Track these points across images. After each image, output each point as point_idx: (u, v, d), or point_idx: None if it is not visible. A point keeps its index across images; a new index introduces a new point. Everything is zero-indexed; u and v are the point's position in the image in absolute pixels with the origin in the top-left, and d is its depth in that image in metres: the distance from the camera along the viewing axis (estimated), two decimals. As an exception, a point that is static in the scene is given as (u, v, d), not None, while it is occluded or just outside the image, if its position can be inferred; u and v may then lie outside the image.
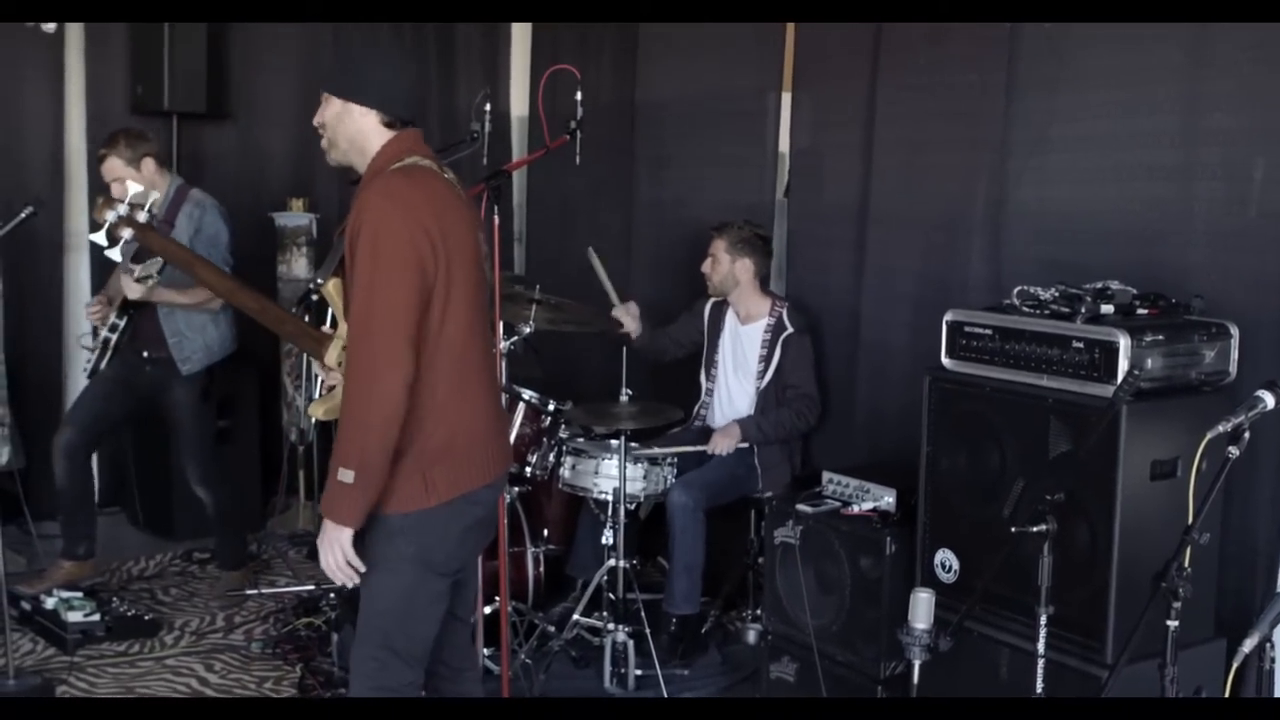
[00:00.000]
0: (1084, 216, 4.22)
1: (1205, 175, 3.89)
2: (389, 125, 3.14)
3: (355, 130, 3.15)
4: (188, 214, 5.29)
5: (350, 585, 3.08)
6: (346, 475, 2.95)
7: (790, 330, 5.15)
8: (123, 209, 3.40)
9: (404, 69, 3.25)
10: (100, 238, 3.45)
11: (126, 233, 3.41)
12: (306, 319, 3.79)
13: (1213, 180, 3.88)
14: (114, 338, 5.25)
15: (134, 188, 3.52)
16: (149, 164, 5.23)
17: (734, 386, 5.35)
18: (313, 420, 6.34)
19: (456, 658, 3.44)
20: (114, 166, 5.17)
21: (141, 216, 3.44)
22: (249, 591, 5.57)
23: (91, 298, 5.50)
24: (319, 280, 3.26)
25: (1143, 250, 4.03)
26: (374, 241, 2.93)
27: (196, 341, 5.36)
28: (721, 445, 5.05)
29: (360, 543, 3.03)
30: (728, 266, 5.24)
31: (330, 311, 3.36)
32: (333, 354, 3.23)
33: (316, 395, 3.39)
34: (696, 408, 5.45)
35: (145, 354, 5.34)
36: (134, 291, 5.08)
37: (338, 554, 3.02)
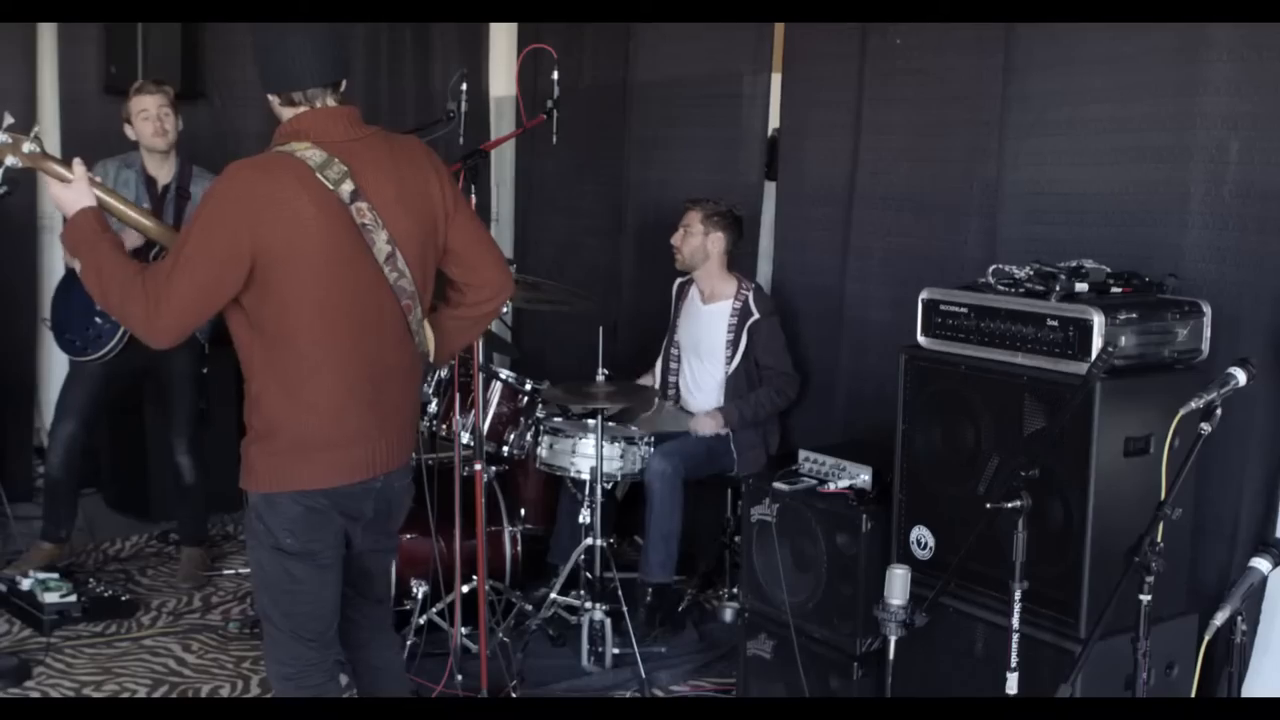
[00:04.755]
0: (1078, 198, 4.24)
1: (1201, 158, 3.91)
2: (291, 104, 3.13)
3: (278, 117, 3.18)
4: (205, 190, 5.23)
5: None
6: (77, 263, 3.12)
7: (757, 316, 5.15)
8: (3, 136, 3.25)
9: (295, 42, 3.08)
10: None
11: (9, 159, 3.26)
12: None
13: (1207, 163, 3.90)
14: None
15: (8, 119, 3.31)
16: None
17: (697, 369, 5.34)
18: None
19: (357, 631, 3.45)
20: (166, 103, 5.26)
21: (28, 146, 3.26)
22: (226, 572, 5.58)
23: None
24: None
25: (1137, 232, 4.05)
26: (198, 218, 3.01)
27: None
28: (705, 427, 5.07)
29: None
30: (700, 239, 5.22)
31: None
32: None
33: None
34: (661, 389, 5.46)
35: None
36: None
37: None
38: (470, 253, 3.30)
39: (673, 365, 5.42)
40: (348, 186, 3.02)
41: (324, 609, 3.22)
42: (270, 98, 3.16)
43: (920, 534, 3.81)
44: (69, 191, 3.16)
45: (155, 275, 2.98)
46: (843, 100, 5.14)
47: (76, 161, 3.21)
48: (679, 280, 5.46)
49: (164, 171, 5.33)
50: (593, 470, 4.82)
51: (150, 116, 5.21)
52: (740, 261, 5.49)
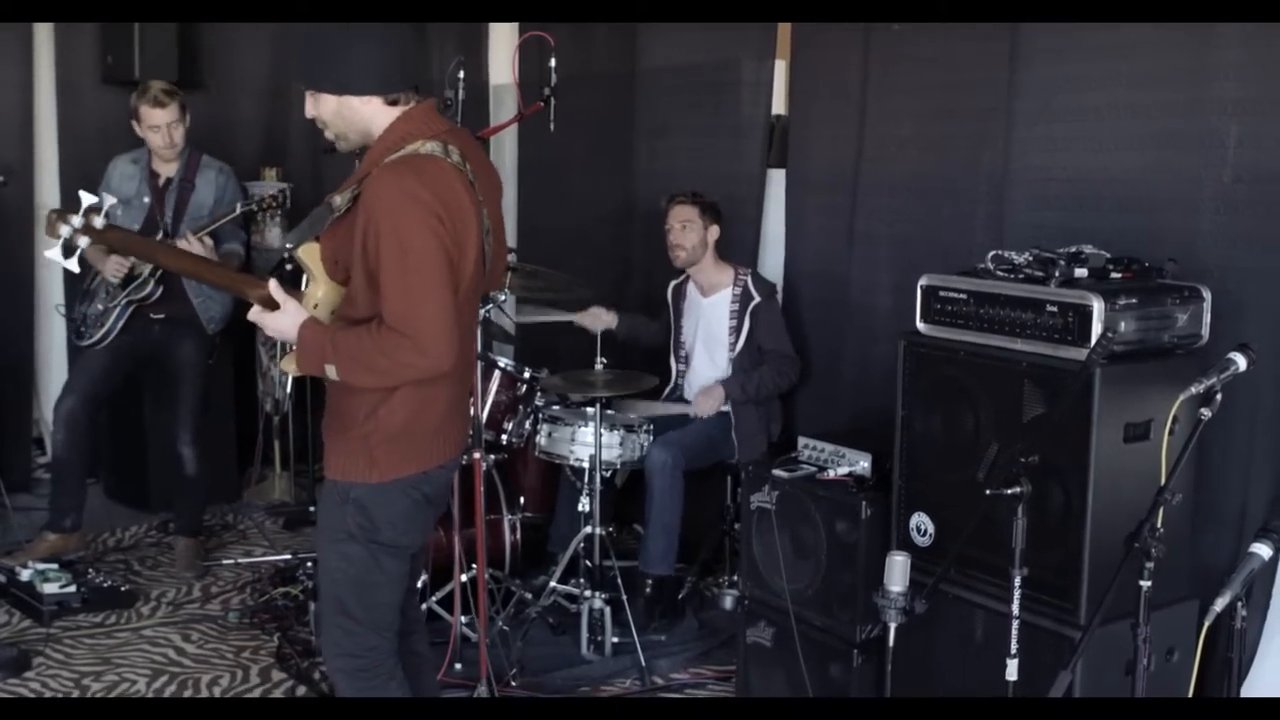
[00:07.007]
0: (1085, 184, 4.22)
1: (1209, 143, 3.88)
2: (394, 104, 3.04)
3: (362, 121, 3.05)
4: (209, 180, 5.44)
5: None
6: (331, 370, 2.97)
7: (757, 299, 5.16)
8: (78, 221, 3.30)
9: (391, 37, 3.07)
10: (57, 254, 3.37)
11: (83, 241, 3.33)
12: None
13: (1214, 149, 3.87)
14: (152, 294, 5.28)
15: (88, 198, 3.39)
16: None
17: (704, 361, 5.34)
18: (288, 390, 6.33)
19: (404, 621, 3.45)
20: (175, 116, 5.29)
21: (99, 222, 3.33)
22: (225, 563, 5.58)
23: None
24: (289, 245, 3.21)
25: (1144, 218, 4.03)
26: (395, 239, 2.86)
27: (218, 300, 5.43)
28: (705, 406, 5.07)
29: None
30: (701, 232, 5.24)
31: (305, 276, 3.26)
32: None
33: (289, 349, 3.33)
34: (669, 389, 5.44)
35: (156, 316, 5.33)
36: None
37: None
38: (498, 241, 3.30)
39: (680, 367, 5.42)
40: (468, 166, 3.04)
41: (400, 598, 3.26)
42: (369, 99, 3.03)
43: (920, 521, 3.80)
44: (285, 317, 3.06)
45: (394, 316, 2.87)
46: (848, 88, 5.12)
47: (273, 283, 3.09)
48: (673, 283, 5.47)
49: (169, 166, 5.40)
50: (592, 458, 4.81)
51: (160, 130, 5.25)
52: (739, 249, 5.48)
